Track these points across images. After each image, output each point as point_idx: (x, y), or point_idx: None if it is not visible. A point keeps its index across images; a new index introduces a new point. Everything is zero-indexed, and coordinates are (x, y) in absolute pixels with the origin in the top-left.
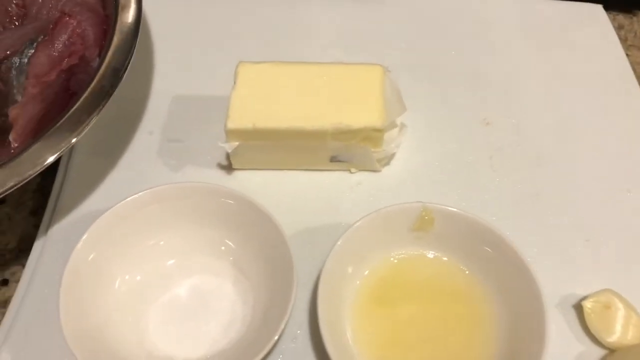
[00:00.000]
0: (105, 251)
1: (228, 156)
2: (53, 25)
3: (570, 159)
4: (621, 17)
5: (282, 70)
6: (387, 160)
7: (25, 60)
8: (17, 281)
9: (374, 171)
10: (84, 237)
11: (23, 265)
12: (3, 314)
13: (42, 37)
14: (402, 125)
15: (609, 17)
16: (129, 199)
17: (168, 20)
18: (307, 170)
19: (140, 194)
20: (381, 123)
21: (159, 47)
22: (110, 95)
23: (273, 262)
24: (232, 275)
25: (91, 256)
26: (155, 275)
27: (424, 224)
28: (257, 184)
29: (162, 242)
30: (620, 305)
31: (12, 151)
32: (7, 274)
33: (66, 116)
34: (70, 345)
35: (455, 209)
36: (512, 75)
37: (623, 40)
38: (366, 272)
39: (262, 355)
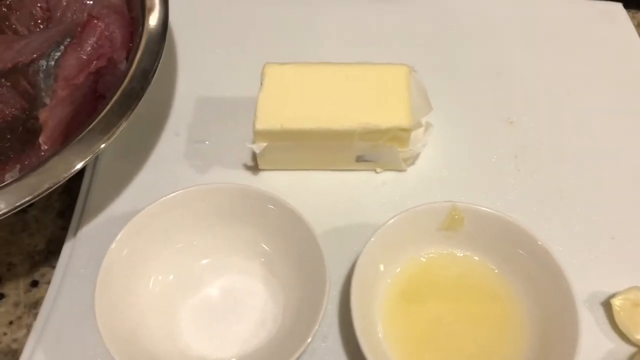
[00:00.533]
0: (138, 251)
1: (254, 157)
2: (81, 28)
3: (594, 157)
4: None
5: (308, 71)
6: (413, 159)
7: (52, 63)
8: (47, 282)
9: (400, 171)
10: (118, 237)
11: (52, 267)
12: (34, 315)
13: (68, 39)
14: (428, 125)
15: (629, 15)
16: (161, 199)
17: (191, 23)
18: (333, 170)
19: (172, 194)
20: (408, 123)
21: (182, 49)
22: (141, 97)
23: (304, 262)
24: (262, 275)
25: (125, 256)
26: (187, 275)
27: (453, 223)
28: (283, 184)
29: (194, 243)
30: None
31: (42, 153)
32: (37, 276)
33: (97, 118)
34: (108, 347)
35: (486, 209)
36: (535, 74)
37: None
38: (397, 271)
39: (295, 356)
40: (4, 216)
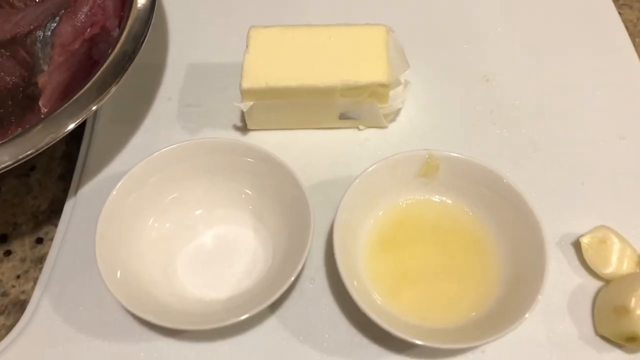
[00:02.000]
0: (136, 200)
1: (243, 118)
2: None
3: (566, 112)
4: None
5: (291, 33)
6: (393, 116)
7: (49, 33)
8: (51, 239)
9: (381, 127)
10: (118, 185)
11: (55, 225)
12: (40, 269)
13: (62, 11)
14: (406, 82)
15: None
16: (157, 152)
17: None
18: (318, 128)
19: (168, 147)
20: (386, 78)
21: (173, 18)
22: (133, 59)
23: (291, 211)
24: (253, 223)
25: (123, 204)
26: (182, 224)
27: (429, 169)
28: (271, 142)
29: (188, 194)
30: (615, 240)
31: (42, 116)
32: (41, 234)
33: (92, 80)
34: (109, 287)
35: (460, 155)
36: (509, 34)
37: (615, 0)
38: (377, 215)
39: (281, 291)
40: (9, 167)
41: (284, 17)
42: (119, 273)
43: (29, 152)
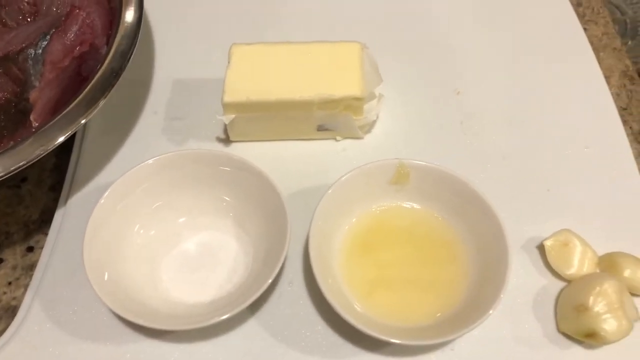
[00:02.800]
0: (123, 208)
1: (225, 130)
2: (65, 17)
3: (534, 123)
4: None
5: (271, 50)
6: (369, 127)
7: (40, 51)
8: (41, 248)
9: (357, 138)
10: (106, 194)
11: (45, 234)
12: (31, 276)
13: (53, 30)
14: (380, 96)
15: None
16: (143, 163)
17: (166, 11)
18: (297, 140)
19: (154, 159)
20: (360, 92)
21: (159, 36)
22: (119, 75)
23: (270, 219)
24: (234, 230)
25: (111, 211)
26: (167, 231)
27: (401, 177)
28: (252, 154)
29: (172, 202)
30: (577, 242)
31: (33, 130)
32: (32, 242)
33: (81, 95)
34: (96, 291)
35: (429, 164)
36: (480, 49)
37: (581, 17)
38: (352, 221)
39: (260, 292)
40: (1, 178)
41: (263, 35)
42: (105, 277)
43: (21, 164)
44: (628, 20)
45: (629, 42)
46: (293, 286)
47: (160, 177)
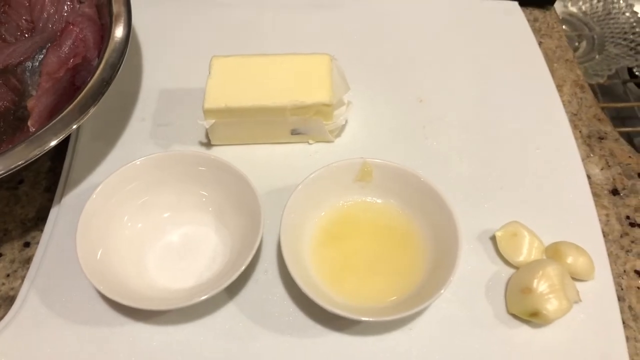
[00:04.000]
0: (112, 203)
1: (207, 134)
2: (60, 32)
3: (490, 126)
4: (537, 12)
5: (248, 61)
6: (338, 132)
7: (37, 63)
8: (37, 243)
9: (328, 142)
10: (97, 190)
11: (41, 231)
12: (27, 269)
13: (49, 44)
14: (349, 102)
15: (526, 11)
16: (131, 163)
17: (152, 28)
18: (273, 143)
19: (142, 159)
20: (329, 99)
21: (147, 50)
22: (109, 84)
23: (246, 214)
24: (214, 224)
25: (101, 206)
26: (152, 224)
27: (365, 175)
28: (231, 156)
29: (158, 199)
30: (525, 233)
31: (30, 135)
32: (28, 238)
33: (74, 102)
34: (87, 276)
35: (390, 162)
36: (442, 62)
37: (537, 31)
38: (320, 215)
39: (235, 277)
40: (1, 176)
41: (241, 48)
42: (96, 264)
43: (19, 163)
44: (595, 37)
45: (597, 57)
46: (268, 274)
47: (146, 175)
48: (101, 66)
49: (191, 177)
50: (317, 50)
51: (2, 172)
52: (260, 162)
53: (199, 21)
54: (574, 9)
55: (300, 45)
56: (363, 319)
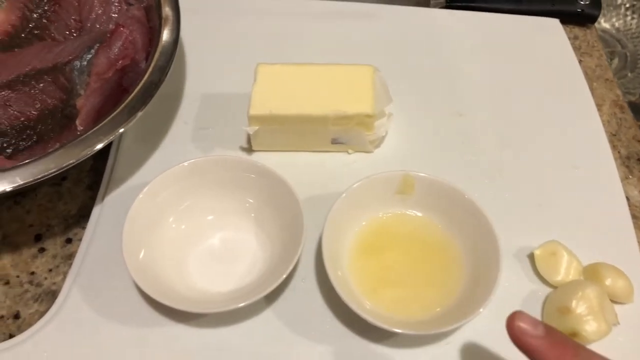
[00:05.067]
0: (158, 203)
1: (248, 140)
2: (110, 34)
3: (529, 143)
4: (577, 30)
5: (292, 70)
6: (378, 142)
7: (85, 63)
8: (79, 240)
9: (367, 152)
10: (145, 189)
11: (83, 228)
12: (69, 264)
13: (97, 44)
14: (390, 114)
15: (566, 29)
16: (179, 165)
17: (197, 32)
18: (313, 151)
19: (189, 162)
20: (371, 110)
21: (190, 54)
22: (158, 87)
23: (287, 221)
24: (254, 230)
25: (148, 206)
26: (195, 227)
27: (406, 188)
28: (272, 162)
29: (201, 202)
30: (563, 252)
31: (78, 133)
32: (70, 234)
33: (124, 104)
34: (132, 274)
35: (432, 176)
36: (482, 76)
37: (577, 49)
38: (360, 226)
39: (275, 285)
40: (52, 174)
41: (284, 56)
42: (139, 263)
43: (71, 162)
44: (628, 54)
45: (629, 74)
46: (306, 282)
47: (192, 178)
48: (150, 69)
49: (235, 182)
50: (357, 61)
51: (54, 170)
52: (299, 169)
53: (242, 28)
54: (607, 25)
55: (341, 56)
56: (403, 331)
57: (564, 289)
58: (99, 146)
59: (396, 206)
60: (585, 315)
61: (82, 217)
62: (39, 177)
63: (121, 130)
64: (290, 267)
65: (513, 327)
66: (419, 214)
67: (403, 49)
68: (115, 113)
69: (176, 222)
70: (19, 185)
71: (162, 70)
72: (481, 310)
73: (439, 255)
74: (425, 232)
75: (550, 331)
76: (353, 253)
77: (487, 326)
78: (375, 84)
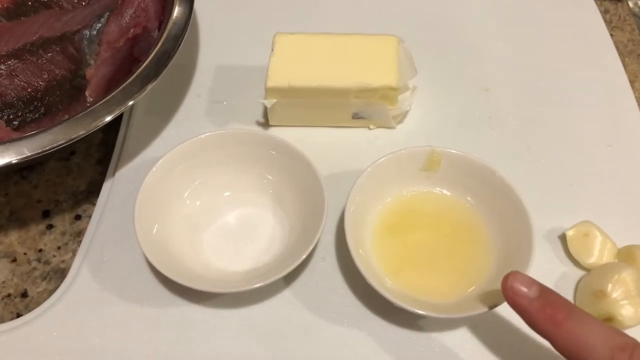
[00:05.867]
0: (173, 178)
1: (265, 114)
2: (121, 1)
3: (559, 120)
4: (607, 3)
5: (312, 39)
6: (401, 118)
7: (94, 32)
8: (88, 216)
9: (390, 127)
10: (159, 162)
11: (92, 204)
12: (78, 242)
13: (107, 13)
14: (414, 88)
15: (597, 2)
16: (195, 137)
17: (210, 0)
18: (333, 127)
19: (205, 135)
20: (396, 83)
21: (202, 24)
22: (172, 57)
23: (307, 196)
24: (272, 206)
25: (161, 180)
26: (211, 203)
27: (432, 164)
28: (290, 138)
29: (217, 178)
30: (597, 234)
31: (88, 104)
32: (79, 211)
33: (137, 72)
34: (144, 251)
35: (459, 152)
36: (509, 50)
37: (608, 23)
38: (383, 203)
39: (295, 265)
40: (62, 146)
41: (302, 26)
42: (152, 239)
43: (80, 133)
44: None
45: None
46: (325, 262)
47: (208, 152)
48: (163, 38)
49: (253, 157)
50: (380, 31)
51: (63, 142)
52: (319, 145)
53: None
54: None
55: (363, 25)
56: (429, 314)
57: (599, 271)
58: (110, 117)
59: (421, 184)
60: (622, 300)
61: (91, 192)
62: (47, 148)
63: (133, 101)
64: (311, 247)
65: (507, 287)
66: (446, 192)
67: (426, 20)
68: (126, 83)
69: (191, 197)
70: (27, 157)
71: (176, 40)
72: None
73: (466, 236)
74: (452, 211)
75: (544, 292)
76: (376, 232)
77: None
78: (399, 55)
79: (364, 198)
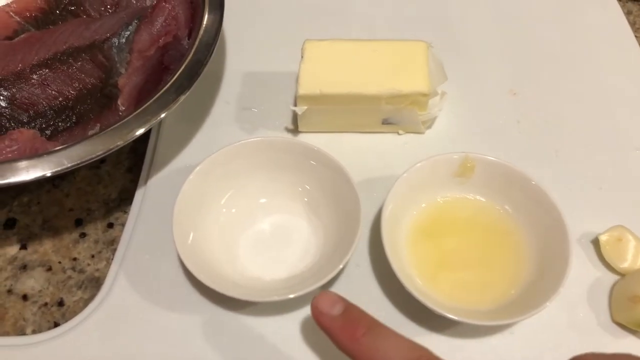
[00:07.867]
0: (209, 185)
1: (294, 120)
2: (152, 9)
3: (586, 124)
4: (630, 4)
5: (341, 46)
6: (430, 123)
7: (124, 40)
8: (120, 224)
9: (419, 133)
10: (196, 169)
11: (124, 212)
12: (112, 250)
13: (135, 21)
14: (443, 93)
15: (620, 3)
16: (231, 145)
17: (238, 8)
18: (362, 132)
19: (241, 142)
20: (427, 89)
21: (230, 30)
22: (205, 65)
23: (341, 204)
24: (307, 214)
25: (197, 189)
26: (246, 211)
27: (465, 170)
28: (320, 144)
29: (252, 186)
30: (630, 238)
31: (120, 113)
32: (111, 219)
33: (172, 81)
34: (183, 260)
35: (493, 158)
36: (535, 53)
37: (632, 24)
38: (417, 210)
39: (333, 274)
40: (100, 157)
41: (330, 32)
42: (188, 248)
43: (118, 144)
44: None
45: None
46: (360, 268)
47: (243, 160)
48: (195, 46)
49: (287, 164)
50: (408, 36)
51: (101, 153)
52: (349, 151)
53: (286, 2)
54: None
55: (390, 31)
56: (466, 320)
57: (634, 276)
58: (145, 128)
59: (455, 189)
60: None
61: (122, 200)
62: (86, 159)
63: (167, 112)
64: (349, 256)
65: (312, 306)
66: (480, 198)
67: (451, 25)
68: (160, 93)
69: (227, 205)
70: (66, 168)
71: (208, 48)
72: (547, 304)
73: (501, 242)
74: (486, 217)
75: (348, 310)
76: (411, 238)
77: (552, 315)
78: (429, 60)
79: (399, 204)
